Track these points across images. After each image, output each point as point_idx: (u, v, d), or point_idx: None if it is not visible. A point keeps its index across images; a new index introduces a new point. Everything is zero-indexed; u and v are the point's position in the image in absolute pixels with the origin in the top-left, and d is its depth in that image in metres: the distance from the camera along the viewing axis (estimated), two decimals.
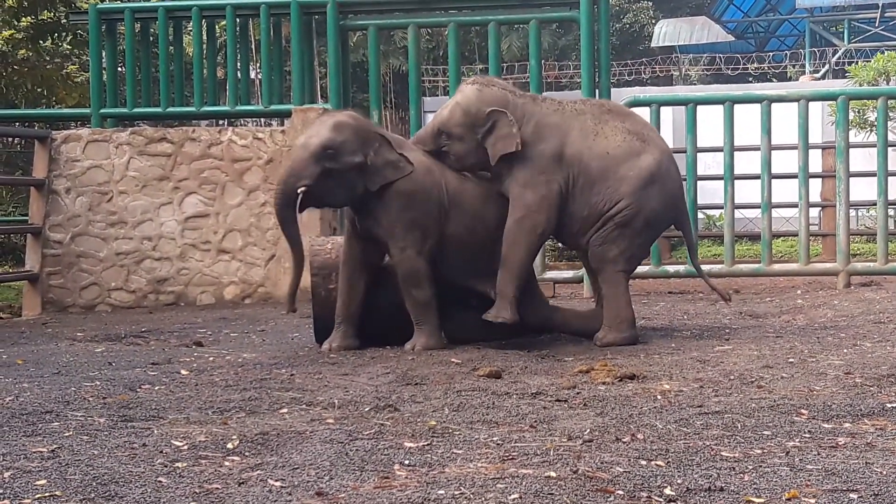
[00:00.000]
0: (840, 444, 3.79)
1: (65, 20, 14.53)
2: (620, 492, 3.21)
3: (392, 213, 6.32)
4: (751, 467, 3.47)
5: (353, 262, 6.47)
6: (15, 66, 14.69)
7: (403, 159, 6.35)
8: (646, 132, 6.70)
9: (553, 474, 3.39)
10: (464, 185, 6.52)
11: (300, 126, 10.21)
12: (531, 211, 6.43)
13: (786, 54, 34.99)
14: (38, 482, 3.39)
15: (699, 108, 9.91)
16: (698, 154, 9.90)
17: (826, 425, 4.09)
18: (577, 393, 4.85)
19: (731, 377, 5.14)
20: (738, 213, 10.68)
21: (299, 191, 6.24)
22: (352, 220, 6.52)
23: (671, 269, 10.05)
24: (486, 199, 6.53)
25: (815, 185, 13.20)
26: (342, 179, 6.29)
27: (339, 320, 6.48)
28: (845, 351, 5.88)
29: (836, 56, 32.14)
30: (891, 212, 10.03)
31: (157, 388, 5.17)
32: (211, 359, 6.25)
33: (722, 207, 10.06)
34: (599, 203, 6.47)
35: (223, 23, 11.60)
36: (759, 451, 3.69)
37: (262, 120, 18.78)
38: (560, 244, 6.62)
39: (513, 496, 3.16)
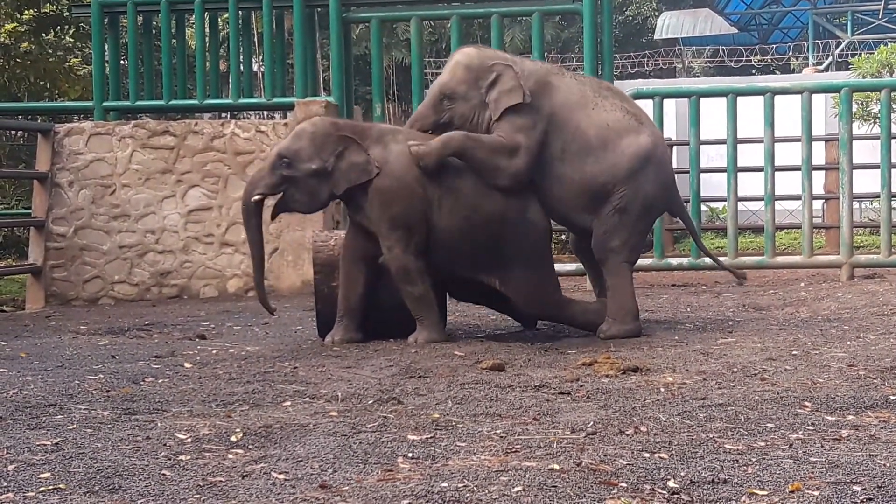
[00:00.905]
0: (843, 436, 3.79)
1: (67, 13, 14.53)
2: (624, 484, 3.21)
3: (375, 211, 6.31)
4: (754, 459, 3.47)
5: (353, 255, 6.46)
6: (17, 60, 14.68)
7: (370, 161, 6.31)
8: (642, 115, 6.71)
9: (556, 467, 3.39)
10: (460, 177, 6.36)
11: (303, 119, 10.21)
12: (521, 151, 6.28)
13: (789, 46, 34.93)
14: (41, 475, 3.39)
15: (702, 100, 9.90)
16: (701, 146, 9.90)
17: (829, 417, 4.09)
18: (581, 385, 4.85)
19: (735, 370, 5.14)
20: (742, 206, 10.68)
21: (253, 200, 6.45)
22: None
23: (674, 261, 10.04)
24: (485, 191, 6.37)
25: (819, 178, 13.21)
26: (303, 186, 6.42)
27: (340, 314, 6.47)
28: (849, 343, 5.88)
29: (840, 48, 32.08)
30: (894, 204, 9.99)
31: (160, 381, 5.18)
32: (214, 352, 6.25)
33: (725, 200, 10.06)
34: (598, 175, 6.37)
35: (226, 15, 11.59)
36: (762, 444, 3.69)
37: (265, 113, 18.79)
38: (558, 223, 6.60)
39: (516, 489, 3.16)
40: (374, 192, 6.31)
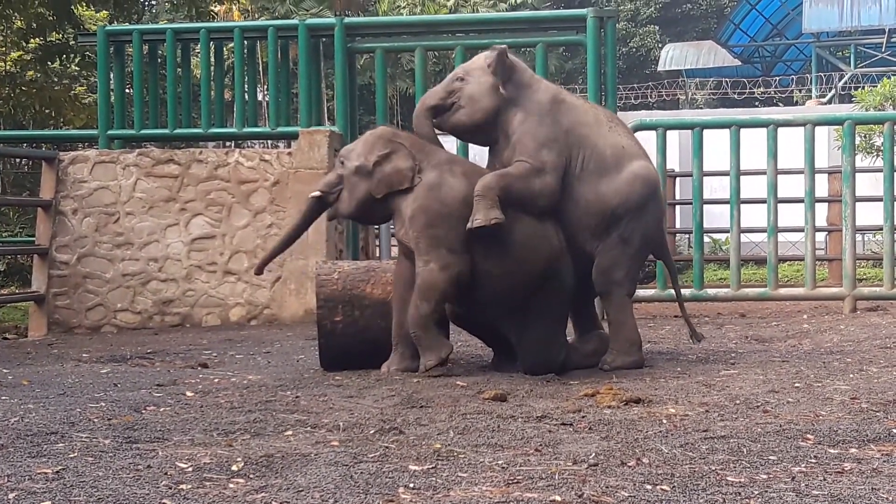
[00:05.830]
0: (846, 469, 3.78)
1: (73, 42, 14.60)
2: None
3: (416, 229, 6.20)
4: (756, 492, 3.46)
5: (405, 281, 6.34)
6: (23, 88, 14.76)
7: (415, 171, 6.28)
8: (644, 150, 6.78)
9: (558, 498, 3.38)
10: (513, 225, 6.18)
11: (307, 148, 10.25)
12: (548, 168, 6.30)
13: (792, 79, 35.07)
14: (42, 503, 3.39)
15: (705, 132, 9.93)
16: (704, 178, 9.91)
17: (832, 451, 4.08)
18: (583, 416, 4.84)
19: (737, 402, 5.13)
20: (744, 237, 10.67)
21: (311, 196, 6.66)
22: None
23: None
24: (534, 244, 6.23)
25: (822, 210, 13.22)
26: (348, 185, 6.48)
27: (395, 341, 6.34)
28: (851, 376, 5.87)
29: (843, 81, 32.20)
30: None
31: (162, 409, 5.17)
32: (216, 380, 6.24)
33: (728, 231, 10.06)
34: (612, 197, 6.39)
35: (231, 45, 11.64)
36: (764, 477, 3.68)
37: (269, 142, 18.85)
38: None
39: None
40: (418, 210, 6.22)
